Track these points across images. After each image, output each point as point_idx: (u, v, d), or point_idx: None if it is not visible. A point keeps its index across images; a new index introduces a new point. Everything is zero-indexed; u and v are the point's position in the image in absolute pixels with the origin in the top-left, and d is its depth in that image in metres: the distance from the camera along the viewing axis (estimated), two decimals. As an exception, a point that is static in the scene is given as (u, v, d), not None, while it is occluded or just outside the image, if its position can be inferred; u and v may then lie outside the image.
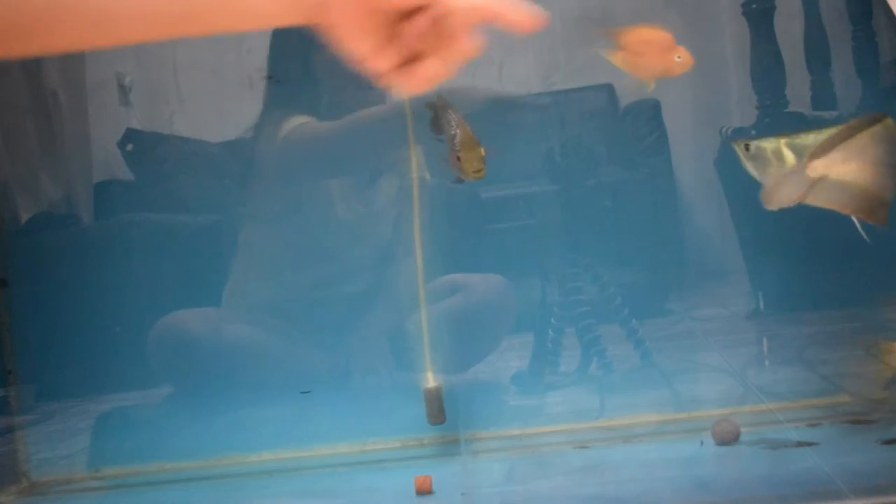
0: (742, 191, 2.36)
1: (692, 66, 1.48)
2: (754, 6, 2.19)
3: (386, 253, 1.96)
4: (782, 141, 1.36)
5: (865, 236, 1.36)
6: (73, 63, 2.71)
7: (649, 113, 2.73)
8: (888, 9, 1.48)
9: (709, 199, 2.61)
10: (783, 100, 2.26)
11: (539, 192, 2.25)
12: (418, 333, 1.62)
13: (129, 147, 2.65)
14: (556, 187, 2.06)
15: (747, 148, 1.37)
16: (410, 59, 0.75)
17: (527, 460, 1.64)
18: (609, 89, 2.91)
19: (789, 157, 1.36)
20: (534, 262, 2.11)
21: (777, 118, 2.29)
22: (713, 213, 2.57)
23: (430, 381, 1.54)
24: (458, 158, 1.43)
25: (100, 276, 2.26)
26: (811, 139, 1.35)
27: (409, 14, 0.74)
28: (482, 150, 1.43)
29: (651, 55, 1.48)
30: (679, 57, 1.47)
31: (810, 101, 2.37)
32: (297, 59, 1.89)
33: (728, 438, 1.54)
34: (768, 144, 1.36)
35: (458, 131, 1.44)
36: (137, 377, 1.96)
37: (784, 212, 1.37)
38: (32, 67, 2.62)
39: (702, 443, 1.53)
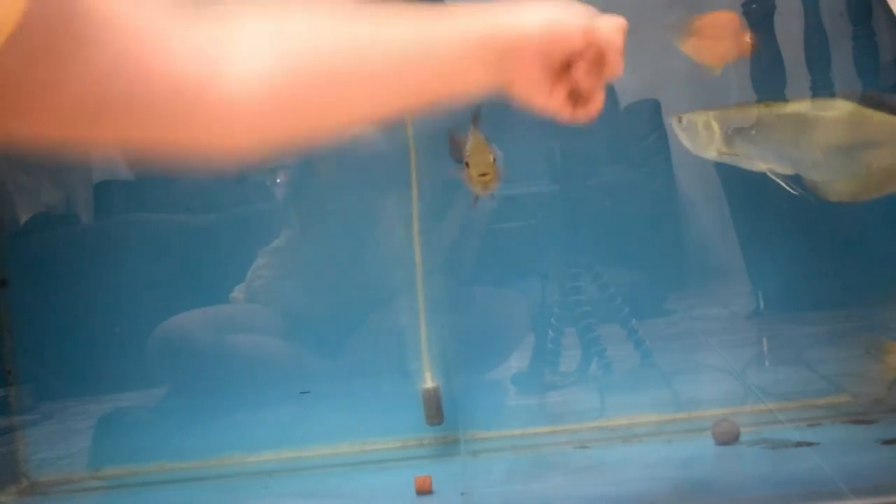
0: (742, 191, 2.37)
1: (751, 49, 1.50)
2: (754, 6, 2.19)
3: (386, 253, 1.96)
4: (711, 114, 1.41)
5: (787, 186, 1.38)
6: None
7: (649, 113, 2.73)
8: (888, 9, 1.48)
9: (709, 199, 2.61)
10: (783, 100, 2.26)
11: (539, 192, 2.24)
12: (418, 334, 1.62)
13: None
14: (556, 187, 2.06)
15: (680, 120, 1.42)
16: (577, 93, 0.86)
17: (527, 460, 1.64)
18: (609, 89, 2.90)
19: (716, 128, 1.40)
20: (534, 262, 2.11)
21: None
22: (713, 213, 2.57)
23: (429, 381, 1.54)
24: (467, 164, 1.37)
25: (99, 276, 2.26)
26: (737, 113, 1.40)
27: (574, 54, 0.83)
28: (491, 155, 1.38)
29: (727, 38, 1.51)
30: (749, 38, 1.50)
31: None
32: None
33: (728, 438, 1.54)
34: (699, 117, 1.41)
35: (470, 137, 1.39)
36: (137, 377, 1.96)
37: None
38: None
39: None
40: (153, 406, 1.95)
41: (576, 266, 1.99)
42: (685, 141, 1.44)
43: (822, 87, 2.31)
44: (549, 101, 0.85)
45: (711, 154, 1.42)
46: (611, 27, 0.85)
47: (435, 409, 1.53)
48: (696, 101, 2.69)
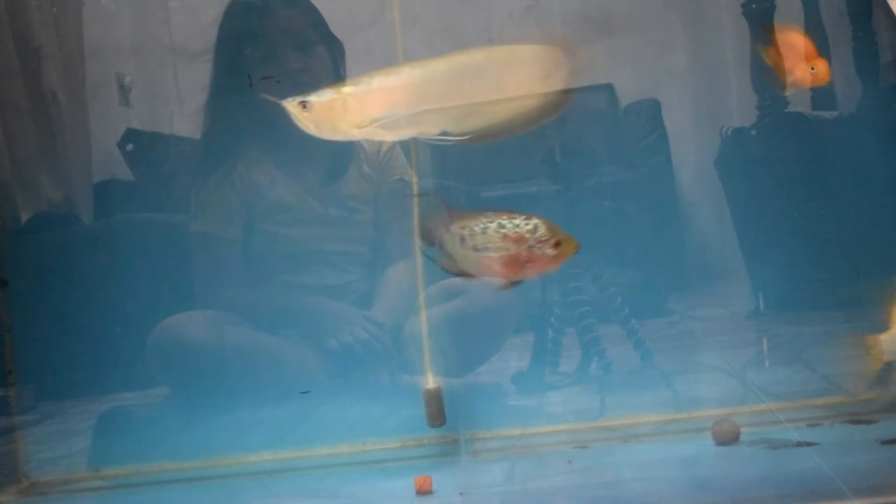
0: (742, 191, 2.37)
1: (827, 81, 1.44)
2: (754, 6, 2.19)
3: (386, 254, 1.96)
4: (345, 90, 1.33)
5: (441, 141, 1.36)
6: (73, 63, 2.71)
7: (649, 113, 2.73)
8: (888, 9, 1.48)
9: (709, 199, 2.61)
10: (783, 100, 2.26)
11: (539, 192, 2.25)
12: (419, 335, 1.61)
13: (129, 147, 2.65)
14: (556, 187, 2.06)
15: (304, 106, 1.33)
16: None
17: (527, 460, 1.64)
18: (609, 89, 2.91)
19: (353, 105, 1.33)
20: (534, 262, 2.11)
21: (777, 118, 2.29)
22: (713, 213, 2.58)
23: (430, 382, 1.54)
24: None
25: (100, 276, 2.26)
26: (374, 81, 1.34)
27: None
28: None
29: (789, 60, 1.45)
30: (813, 68, 1.43)
31: (810, 101, 2.37)
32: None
33: (728, 438, 1.54)
34: (328, 98, 1.33)
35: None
36: (138, 377, 1.96)
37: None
38: (33, 68, 2.62)
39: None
40: (153, 406, 1.95)
41: (576, 266, 1.99)
42: (312, 128, 1.34)
43: (822, 87, 2.31)
44: None
45: (353, 134, 1.34)
46: None
47: (437, 411, 1.53)
48: (697, 100, 2.70)
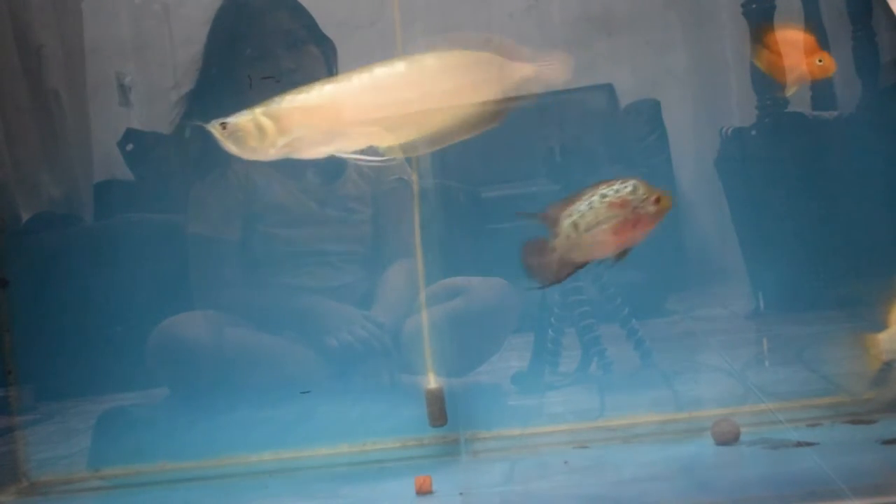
0: (742, 191, 2.37)
1: (831, 72, 1.44)
2: (754, 6, 2.19)
3: (386, 254, 1.96)
4: (258, 111, 1.35)
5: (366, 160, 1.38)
6: (73, 63, 2.71)
7: (649, 113, 2.73)
8: (888, 9, 1.48)
9: (709, 199, 2.61)
10: (783, 100, 2.26)
11: (539, 192, 2.24)
12: (419, 334, 1.61)
13: (129, 147, 2.65)
14: (556, 187, 2.06)
15: (224, 127, 1.35)
16: None
17: (527, 460, 1.64)
18: (609, 89, 2.91)
19: (268, 125, 1.34)
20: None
21: (777, 118, 2.29)
22: (713, 213, 2.58)
23: (432, 382, 1.53)
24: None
25: (100, 276, 2.26)
26: (285, 100, 1.35)
27: None
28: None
29: (795, 56, 1.45)
30: (820, 60, 1.43)
31: (810, 101, 2.37)
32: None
33: (728, 438, 1.54)
34: (245, 119, 1.35)
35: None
36: (138, 377, 1.96)
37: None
38: (34, 67, 2.62)
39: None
40: (153, 406, 1.95)
41: (576, 266, 1.99)
42: (234, 148, 1.36)
43: (821, 87, 2.31)
44: None
45: (270, 154, 1.35)
46: None
47: (439, 411, 1.52)
48: (697, 100, 2.70)
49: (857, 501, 1.21)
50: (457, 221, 2.34)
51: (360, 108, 1.36)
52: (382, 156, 1.38)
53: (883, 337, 1.47)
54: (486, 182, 2.65)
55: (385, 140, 1.36)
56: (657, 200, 1.30)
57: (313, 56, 1.91)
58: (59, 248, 2.46)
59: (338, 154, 1.38)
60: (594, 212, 1.31)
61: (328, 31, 1.94)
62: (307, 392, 1.80)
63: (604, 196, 1.31)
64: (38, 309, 2.17)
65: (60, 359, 2.22)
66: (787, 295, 2.31)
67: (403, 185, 1.90)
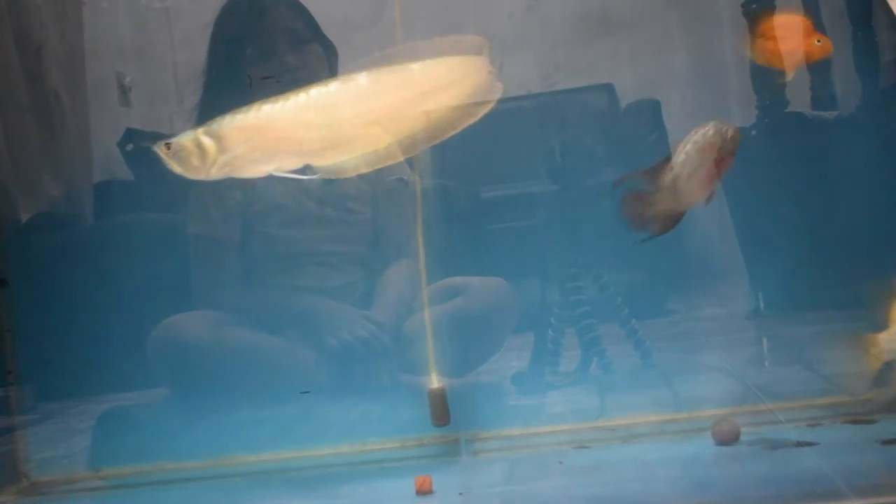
0: (742, 191, 2.37)
1: (830, 52, 1.47)
2: (754, 6, 2.19)
3: (386, 254, 1.96)
4: (199, 131, 1.36)
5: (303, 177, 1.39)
6: (73, 63, 2.71)
7: (649, 113, 2.73)
8: (888, 9, 1.48)
9: (709, 200, 2.60)
10: (783, 100, 2.26)
11: (539, 192, 2.25)
12: (421, 334, 1.61)
13: (129, 147, 2.65)
14: (556, 187, 2.06)
15: (168, 147, 1.37)
16: None
17: (527, 460, 1.64)
18: (609, 89, 2.91)
19: (209, 144, 1.36)
20: (534, 262, 2.11)
21: (777, 118, 2.29)
22: (713, 213, 2.58)
23: (435, 382, 1.53)
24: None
25: (100, 276, 2.26)
26: (225, 120, 1.36)
27: None
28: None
29: (793, 40, 1.47)
30: (819, 41, 1.46)
31: (810, 101, 2.37)
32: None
33: (728, 438, 1.54)
34: (187, 140, 1.36)
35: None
36: (138, 377, 1.96)
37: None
38: (33, 67, 2.62)
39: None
40: (153, 406, 1.95)
41: (576, 266, 1.99)
42: (178, 168, 1.37)
43: (821, 87, 2.31)
44: None
45: (213, 172, 1.37)
46: None
47: (441, 410, 1.52)
48: (697, 100, 2.70)
49: (857, 501, 1.21)
50: (457, 221, 2.34)
51: (296, 128, 1.37)
52: (316, 174, 1.39)
53: (883, 337, 1.47)
54: (486, 182, 2.65)
55: (320, 159, 1.38)
56: (732, 136, 1.40)
57: (317, 55, 1.91)
58: (59, 248, 2.45)
59: (275, 173, 1.39)
60: (689, 160, 1.40)
61: (328, 30, 1.94)
62: (307, 392, 1.80)
63: (696, 143, 1.41)
64: (38, 309, 2.17)
65: (60, 359, 2.22)
66: (787, 295, 2.31)
67: (403, 185, 1.90)
